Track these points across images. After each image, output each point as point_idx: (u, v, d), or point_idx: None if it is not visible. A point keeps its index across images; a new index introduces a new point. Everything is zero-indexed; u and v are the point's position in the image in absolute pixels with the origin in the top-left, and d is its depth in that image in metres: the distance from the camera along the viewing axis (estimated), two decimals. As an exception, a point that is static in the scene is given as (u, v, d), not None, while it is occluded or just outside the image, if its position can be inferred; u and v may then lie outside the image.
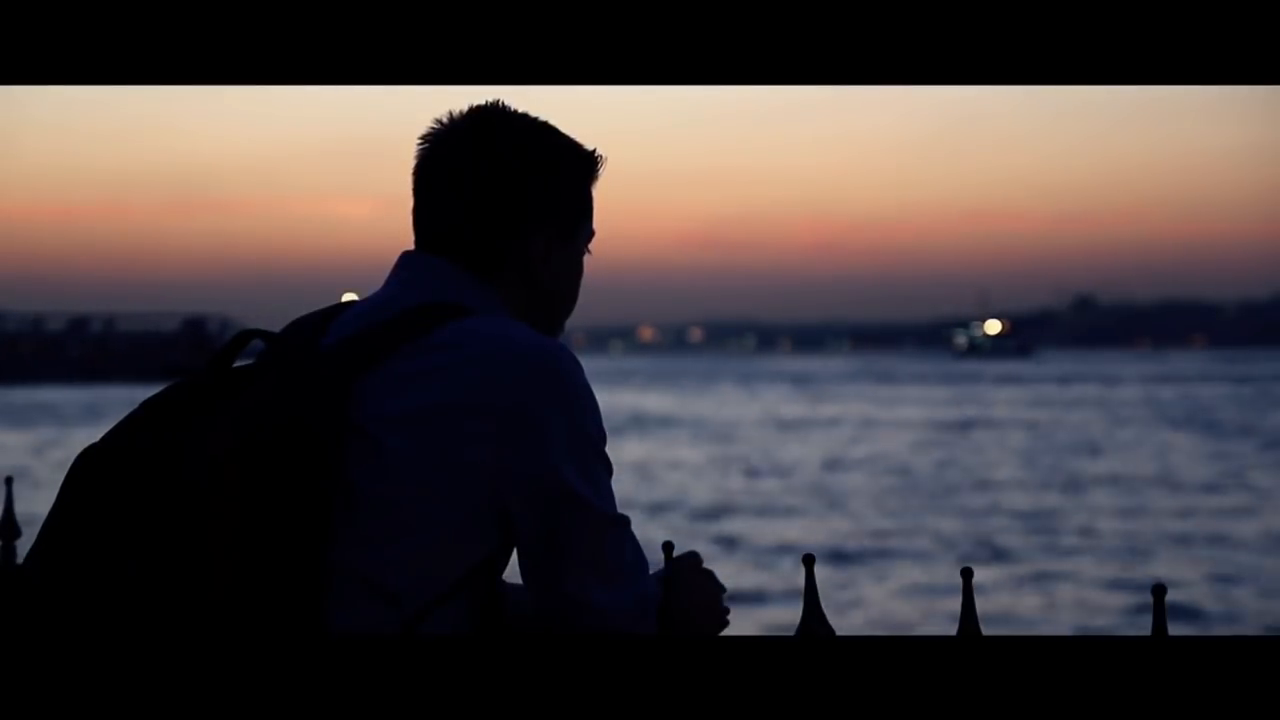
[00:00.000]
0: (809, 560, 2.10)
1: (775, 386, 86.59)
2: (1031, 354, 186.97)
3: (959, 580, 2.07)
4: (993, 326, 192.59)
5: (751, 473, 30.56)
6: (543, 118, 2.30)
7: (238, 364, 2.25)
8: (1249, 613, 16.01)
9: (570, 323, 2.40)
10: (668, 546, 2.16)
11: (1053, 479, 30.11)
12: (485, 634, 2.15)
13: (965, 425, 47.51)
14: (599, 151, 2.33)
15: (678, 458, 34.93)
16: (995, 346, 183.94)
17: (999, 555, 19.74)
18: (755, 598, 16.47)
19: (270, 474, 2.05)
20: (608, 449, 2.20)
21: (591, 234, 2.35)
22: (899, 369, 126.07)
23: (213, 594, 2.03)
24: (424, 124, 2.28)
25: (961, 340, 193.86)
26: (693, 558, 2.27)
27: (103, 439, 2.16)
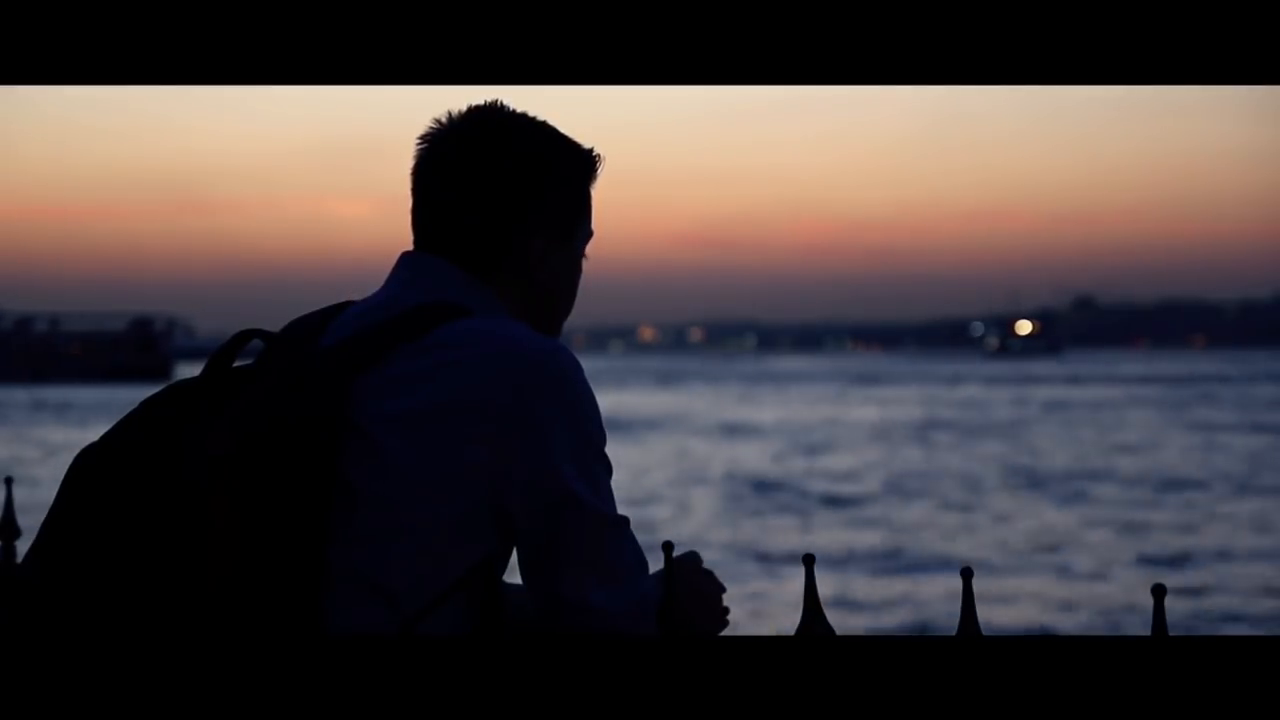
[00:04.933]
0: (809, 560, 2.10)
1: (877, 389, 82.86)
2: (1060, 353, 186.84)
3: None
4: (1023, 327, 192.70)
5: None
6: (542, 118, 2.30)
7: (237, 364, 2.25)
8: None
9: (570, 323, 2.40)
10: (667, 546, 2.16)
11: None
12: (485, 634, 2.15)
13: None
14: (597, 151, 2.33)
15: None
16: (1025, 347, 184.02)
17: None
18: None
19: (269, 474, 2.05)
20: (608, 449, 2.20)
21: (590, 234, 2.35)
22: (958, 371, 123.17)
23: (211, 593, 2.03)
24: (423, 124, 2.29)
25: (993, 340, 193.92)
26: (692, 558, 2.27)
27: (102, 438, 2.17)
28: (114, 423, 2.21)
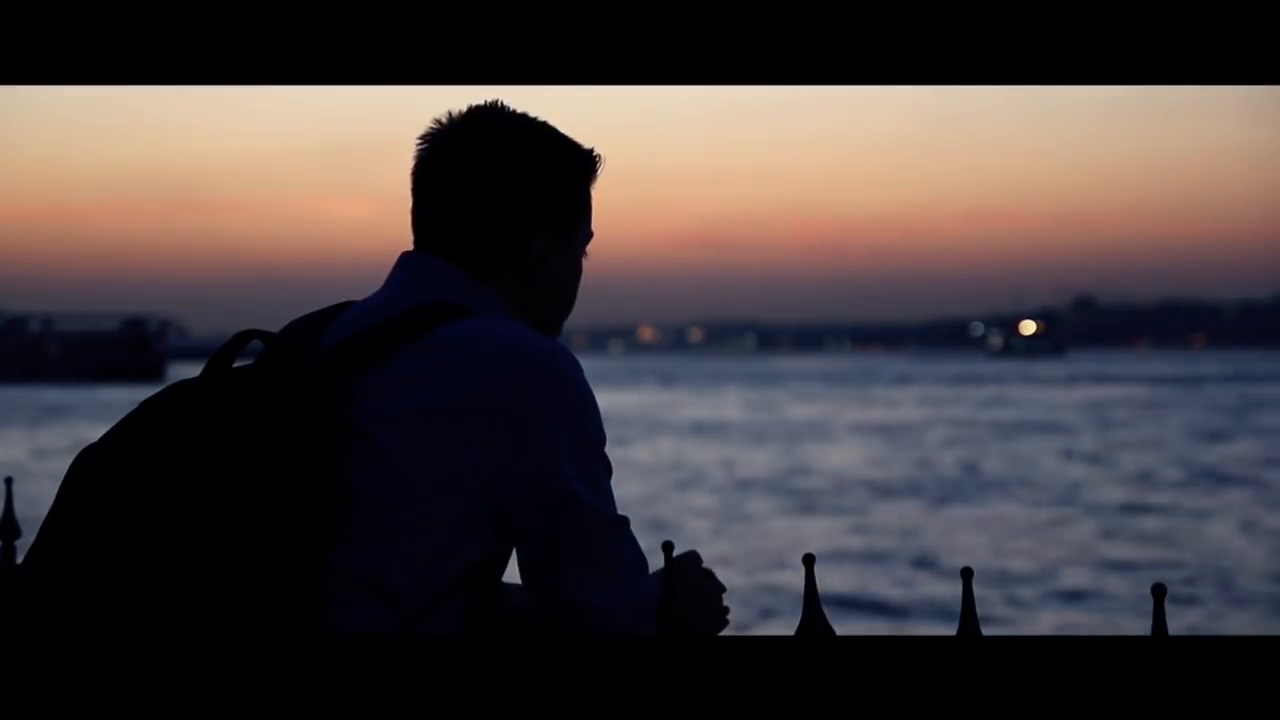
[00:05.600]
0: (809, 560, 2.10)
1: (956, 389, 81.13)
2: (1064, 354, 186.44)
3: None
4: (1027, 327, 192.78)
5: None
6: (542, 118, 2.30)
7: (237, 364, 2.25)
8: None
9: (570, 323, 2.41)
10: (668, 546, 2.16)
11: None
12: (484, 634, 2.15)
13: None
14: (597, 151, 2.33)
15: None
16: (1029, 347, 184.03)
17: None
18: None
19: (269, 473, 2.05)
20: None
21: (590, 235, 2.35)
22: (974, 371, 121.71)
23: (212, 593, 2.04)
24: (423, 124, 2.30)
25: (997, 340, 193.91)
26: (692, 557, 2.27)
27: (102, 438, 2.17)
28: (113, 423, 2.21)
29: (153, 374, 76.00)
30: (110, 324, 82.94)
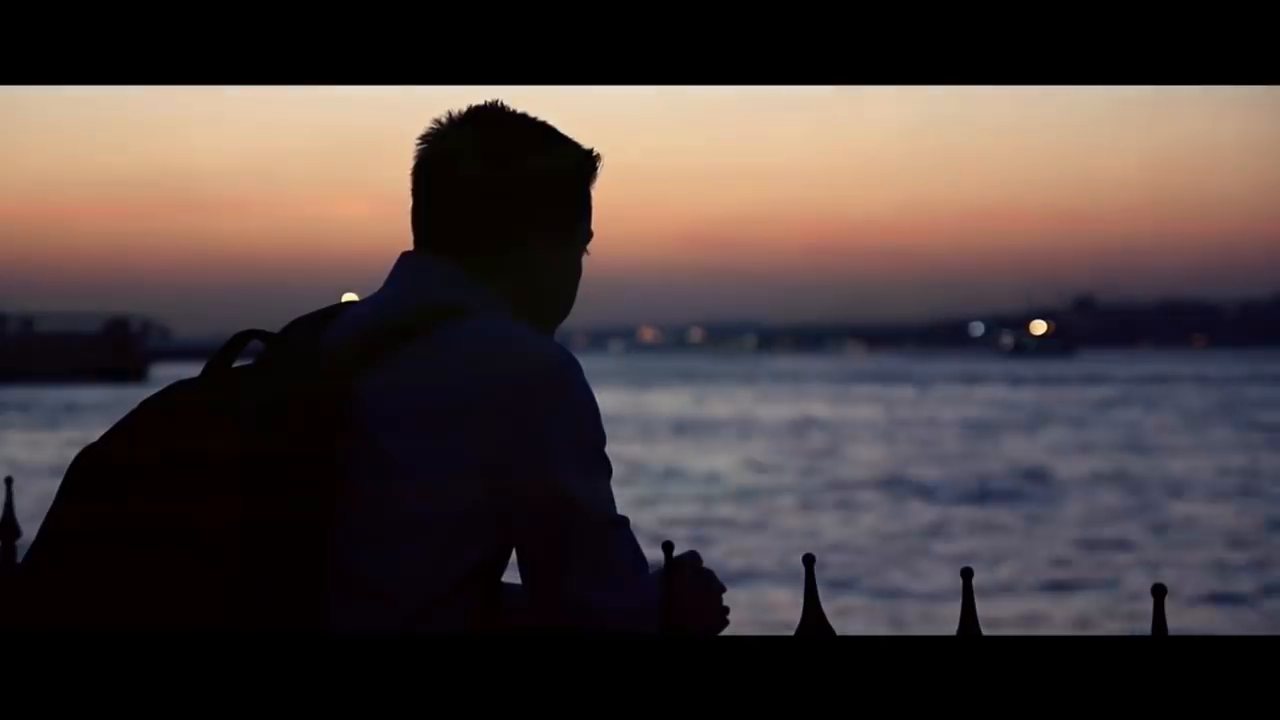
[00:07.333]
0: (809, 560, 2.10)
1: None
2: (1073, 354, 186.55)
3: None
4: (1038, 327, 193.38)
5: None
6: (542, 118, 2.31)
7: (237, 364, 2.25)
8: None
9: (570, 323, 2.41)
10: (668, 546, 2.16)
11: None
12: (485, 634, 2.16)
13: None
14: (597, 151, 2.34)
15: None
16: (1040, 346, 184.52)
17: None
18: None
19: (269, 474, 2.05)
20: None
21: (590, 234, 2.36)
22: (1007, 371, 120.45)
23: (212, 594, 2.04)
24: (424, 124, 2.30)
25: (1007, 340, 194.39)
26: (693, 557, 2.28)
27: (101, 439, 2.17)
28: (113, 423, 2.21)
29: (134, 375, 75.68)
30: (92, 324, 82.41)
